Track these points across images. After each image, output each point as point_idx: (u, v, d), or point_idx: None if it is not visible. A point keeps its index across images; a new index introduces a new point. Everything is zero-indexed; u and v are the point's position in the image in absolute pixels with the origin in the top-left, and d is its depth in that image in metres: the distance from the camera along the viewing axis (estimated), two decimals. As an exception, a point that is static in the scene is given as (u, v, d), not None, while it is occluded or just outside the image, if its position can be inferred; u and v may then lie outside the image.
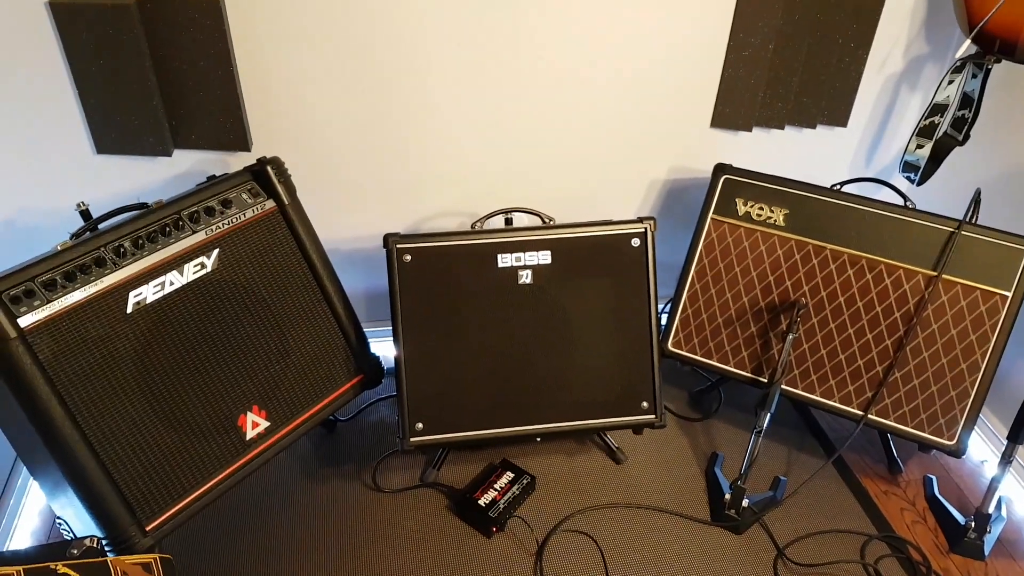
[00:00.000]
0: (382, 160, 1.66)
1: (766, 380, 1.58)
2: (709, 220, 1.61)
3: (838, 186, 1.56)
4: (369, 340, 1.57)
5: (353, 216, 1.72)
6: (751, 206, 1.57)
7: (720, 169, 1.60)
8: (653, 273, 1.49)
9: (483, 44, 1.54)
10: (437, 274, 1.46)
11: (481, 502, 1.51)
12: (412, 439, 1.48)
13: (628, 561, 1.42)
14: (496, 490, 1.54)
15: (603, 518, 1.50)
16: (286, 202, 1.44)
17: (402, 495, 1.56)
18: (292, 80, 1.52)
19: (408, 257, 1.45)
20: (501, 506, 1.50)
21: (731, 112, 1.66)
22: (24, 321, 1.14)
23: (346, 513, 1.52)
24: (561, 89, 1.62)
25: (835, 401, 1.55)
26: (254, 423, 1.39)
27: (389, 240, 1.45)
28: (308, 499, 1.55)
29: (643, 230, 1.48)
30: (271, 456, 1.41)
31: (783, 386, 1.55)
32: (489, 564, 1.41)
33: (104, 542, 1.23)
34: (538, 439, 1.54)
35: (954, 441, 1.47)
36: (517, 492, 1.53)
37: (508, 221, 1.58)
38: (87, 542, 1.10)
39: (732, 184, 1.59)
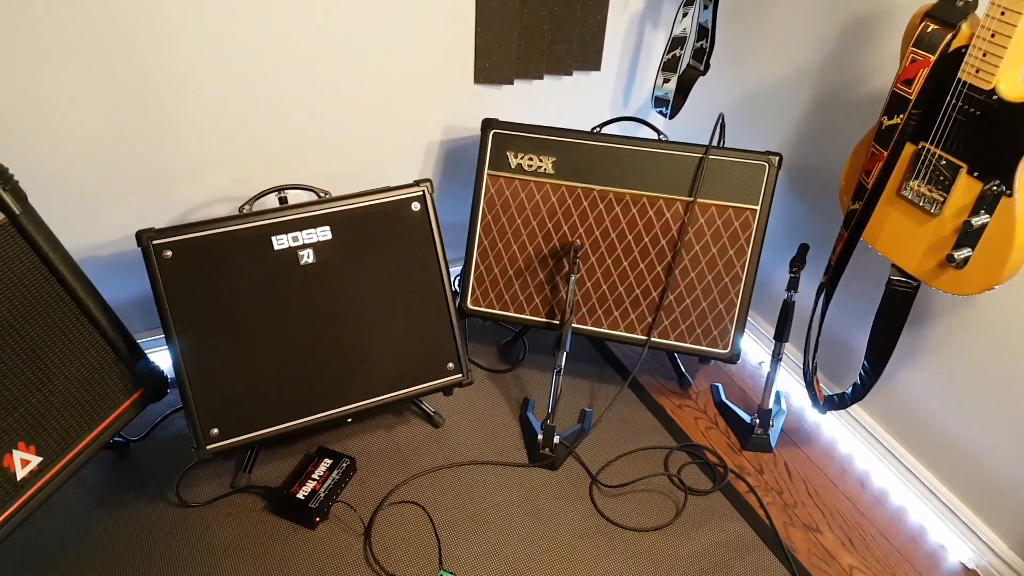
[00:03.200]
0: (131, 152, 1.55)
1: (559, 322, 1.71)
2: (485, 176, 1.68)
3: (598, 128, 1.70)
4: (151, 351, 1.48)
5: (107, 218, 1.60)
6: (521, 157, 1.67)
7: (487, 124, 1.68)
8: (438, 234, 1.54)
9: (242, 13, 1.48)
10: (206, 267, 1.41)
11: (300, 495, 1.50)
12: (208, 446, 1.43)
13: (456, 519, 1.49)
14: (315, 479, 1.54)
15: (428, 484, 1.57)
16: (17, 212, 1.31)
17: (214, 506, 1.51)
18: (13, 76, 1.38)
19: (168, 253, 1.38)
20: (321, 495, 1.51)
21: (491, 67, 1.74)
22: None
23: (154, 536, 1.45)
24: (323, 59, 1.60)
25: (622, 331, 1.70)
26: (23, 460, 1.28)
27: (143, 237, 1.36)
28: (110, 531, 1.46)
29: (421, 193, 1.52)
30: (51, 492, 1.31)
31: (575, 324, 1.69)
32: (317, 555, 1.43)
33: None
34: (349, 420, 1.55)
35: (728, 349, 1.67)
36: (337, 477, 1.55)
37: (283, 201, 1.55)
38: None
39: (501, 138, 1.67)
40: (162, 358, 1.53)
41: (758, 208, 1.62)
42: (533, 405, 1.73)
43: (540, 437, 1.61)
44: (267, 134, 1.65)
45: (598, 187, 1.66)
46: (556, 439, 1.61)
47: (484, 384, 1.81)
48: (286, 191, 1.55)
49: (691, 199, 1.63)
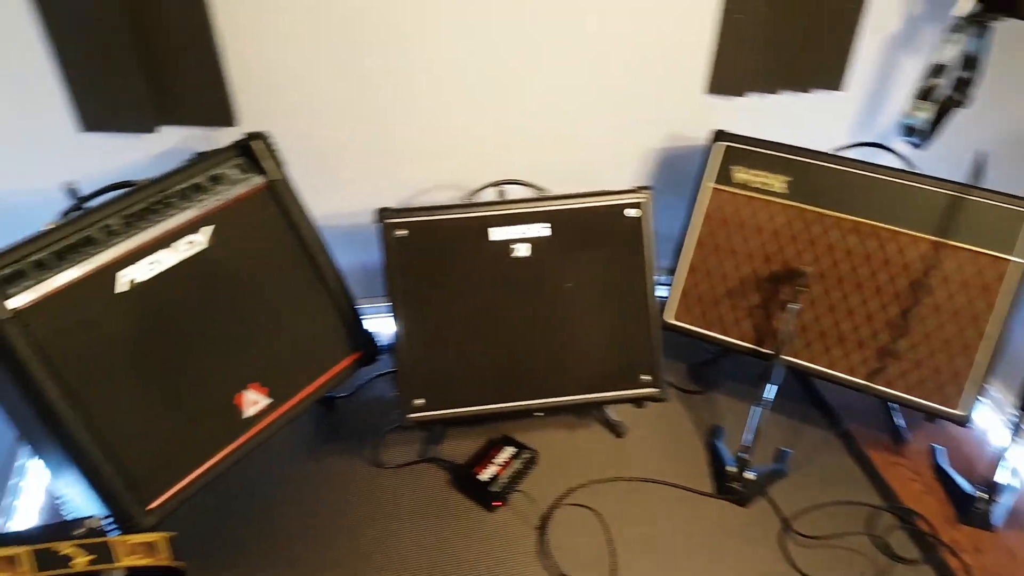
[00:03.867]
0: (373, 133, 1.66)
1: (769, 351, 1.58)
2: (707, 188, 1.60)
3: (838, 151, 1.55)
4: (364, 317, 1.57)
5: (345, 191, 1.72)
6: (750, 173, 1.57)
7: (718, 136, 1.59)
8: (650, 244, 1.49)
9: (475, 15, 1.53)
10: (430, 248, 1.47)
11: (481, 477, 1.52)
12: (410, 415, 1.49)
13: (632, 534, 1.43)
14: (497, 465, 1.55)
15: (606, 492, 1.52)
16: (275, 178, 1.44)
17: (402, 470, 1.57)
18: (278, 53, 1.51)
19: (401, 232, 1.45)
20: (503, 480, 1.51)
21: (725, 77, 1.65)
22: (16, 302, 1.16)
23: (346, 489, 1.54)
24: (553, 59, 1.61)
25: (839, 371, 1.55)
26: (254, 401, 1.41)
27: (382, 214, 1.45)
28: (309, 476, 1.57)
29: (640, 200, 1.48)
30: (272, 434, 1.43)
31: (786, 357, 1.55)
32: (492, 537, 1.43)
33: (107, 521, 1.26)
34: (538, 414, 1.55)
35: (961, 410, 1.47)
36: (519, 467, 1.55)
37: (502, 194, 1.58)
38: (90, 522, 1.11)
39: (730, 151, 1.58)
40: (375, 325, 1.62)
41: (1019, 260, 1.40)
42: (724, 434, 1.62)
43: (731, 469, 1.50)
44: (494, 128, 1.69)
45: (834, 213, 1.52)
46: (750, 474, 1.50)
47: (672, 403, 1.72)
48: (505, 185, 1.57)
49: (940, 239, 1.45)
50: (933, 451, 1.62)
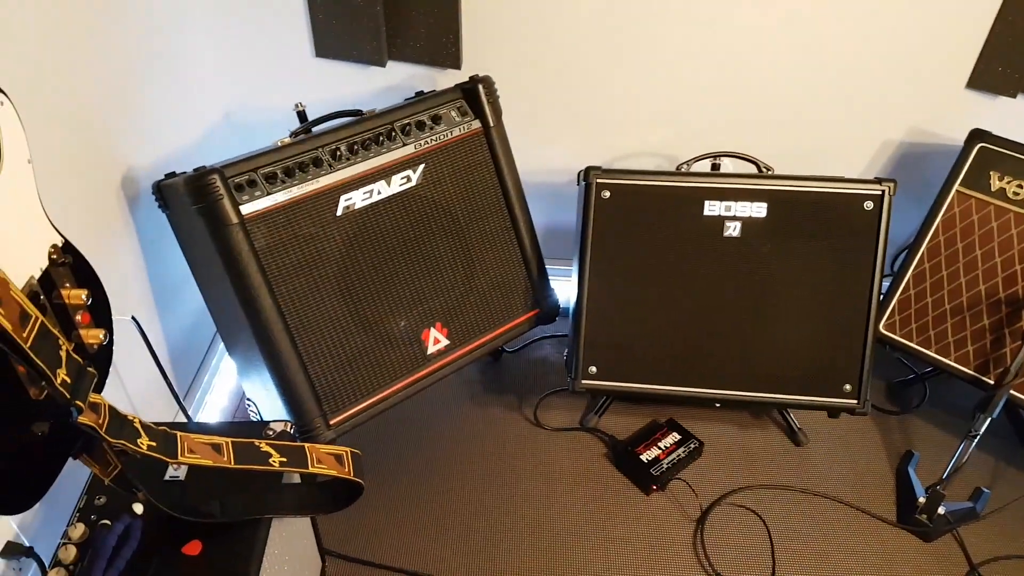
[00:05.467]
0: (588, 92, 1.56)
1: (992, 381, 1.38)
2: (954, 192, 1.39)
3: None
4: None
5: (549, 147, 1.65)
6: (1008, 182, 1.35)
7: (976, 136, 1.38)
8: (884, 243, 1.32)
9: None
10: (635, 215, 1.37)
11: (643, 457, 1.44)
12: (584, 381, 1.42)
13: (798, 549, 1.31)
14: (660, 448, 1.46)
15: (774, 499, 1.40)
16: (492, 124, 1.39)
17: (560, 435, 1.52)
18: (510, 4, 1.45)
19: (607, 193, 1.36)
20: (664, 465, 1.42)
21: (995, 73, 1.41)
22: (246, 209, 1.17)
23: (505, 441, 1.51)
24: (792, 28, 1.44)
25: (1071, 417, 1.33)
26: (436, 339, 1.39)
27: (589, 173, 1.36)
28: (471, 422, 1.55)
29: (880, 192, 1.30)
30: (448, 373, 1.40)
31: (1013, 391, 1.35)
32: (645, 520, 1.36)
33: (292, 428, 1.28)
34: (717, 404, 1.44)
35: None
36: (683, 455, 1.45)
37: (715, 168, 1.45)
38: (280, 426, 1.13)
39: (988, 154, 1.36)
40: (556, 286, 1.56)
41: None
42: (917, 461, 1.44)
43: (921, 500, 1.33)
44: (715, 98, 1.55)
45: (1104, 239, 1.29)
46: (941, 509, 1.32)
47: (863, 419, 1.54)
48: (722, 159, 1.44)
49: None
50: None
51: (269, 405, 1.35)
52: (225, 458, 0.91)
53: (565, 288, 1.50)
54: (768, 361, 1.38)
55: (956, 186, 1.39)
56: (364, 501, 1.06)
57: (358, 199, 1.28)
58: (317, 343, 1.26)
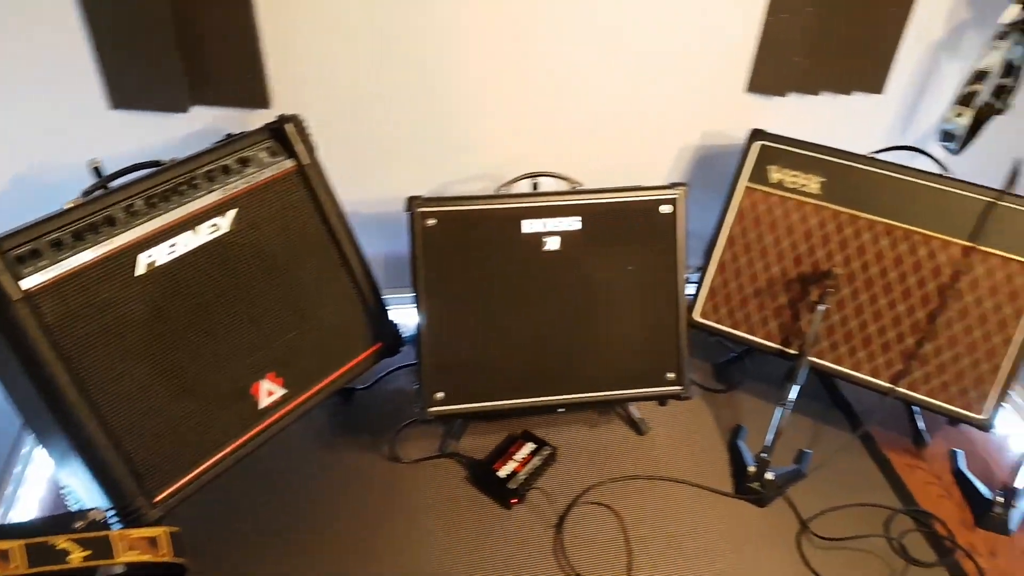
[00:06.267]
0: (407, 122, 1.57)
1: (795, 352, 1.52)
2: (741, 187, 1.52)
3: (875, 154, 1.48)
4: (388, 307, 1.49)
5: (375, 178, 1.63)
6: (786, 173, 1.49)
7: (756, 135, 1.51)
8: (683, 241, 1.41)
9: (515, 8, 1.45)
10: (460, 239, 1.38)
11: (500, 473, 1.44)
12: (431, 408, 1.41)
13: (649, 533, 1.37)
14: (516, 461, 1.47)
15: (625, 490, 1.45)
16: (305, 162, 1.35)
17: (420, 465, 1.49)
18: (315, 36, 1.42)
19: (431, 221, 1.36)
20: (521, 477, 1.44)
21: (767, 76, 1.57)
22: (29, 282, 1.06)
23: (363, 483, 1.45)
24: (592, 53, 1.53)
25: (864, 373, 1.48)
26: (269, 391, 1.32)
27: (412, 203, 1.36)
28: (324, 469, 1.48)
29: (674, 196, 1.40)
30: (286, 425, 1.33)
31: (811, 358, 1.49)
32: (508, 535, 1.36)
33: (110, 513, 1.17)
34: (561, 410, 1.48)
35: (984, 415, 1.41)
36: (538, 464, 1.47)
37: (535, 187, 1.50)
38: (92, 514, 1.03)
39: (767, 151, 1.50)
40: (398, 315, 1.54)
41: (1050, 267, 1.34)
42: (746, 434, 1.56)
43: (751, 469, 1.44)
44: (529, 120, 1.61)
45: (867, 216, 1.44)
46: (769, 475, 1.43)
47: (695, 401, 1.64)
48: (539, 177, 1.49)
49: (971, 245, 1.38)
50: (953, 455, 1.56)
51: (86, 491, 1.21)
52: (14, 565, 0.81)
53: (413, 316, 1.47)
54: (599, 362, 1.44)
55: (743, 181, 1.52)
56: (212, 568, 0.98)
57: (161, 255, 1.19)
58: (130, 416, 1.15)
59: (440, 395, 1.41)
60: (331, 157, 1.38)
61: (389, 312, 1.49)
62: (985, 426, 1.42)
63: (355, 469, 1.48)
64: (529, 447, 1.51)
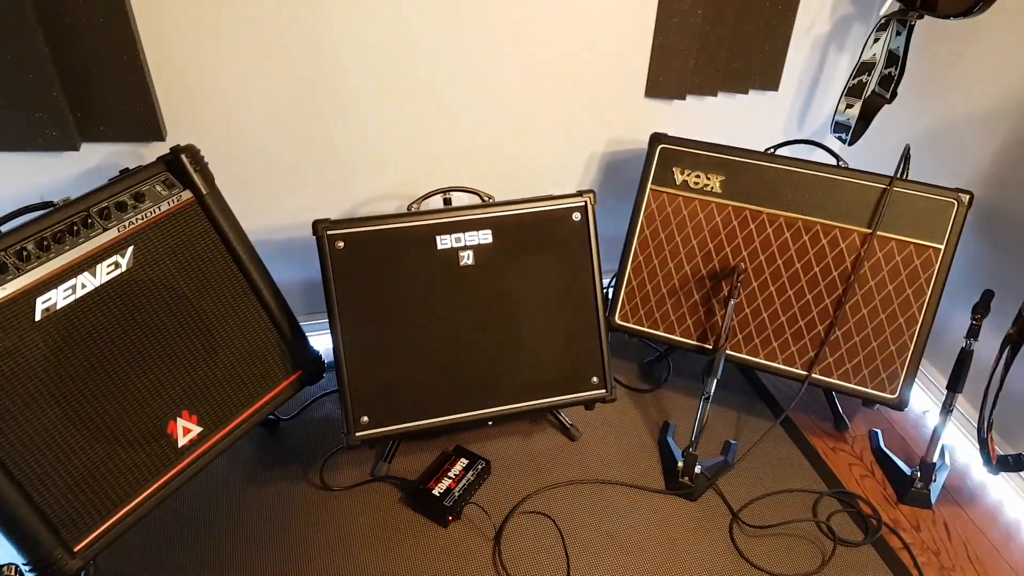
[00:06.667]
0: (309, 144, 1.56)
1: (711, 347, 1.57)
2: (648, 191, 1.57)
3: (772, 150, 1.55)
4: (308, 334, 1.48)
5: (283, 204, 1.62)
6: (688, 174, 1.55)
7: (656, 139, 1.57)
8: (596, 247, 1.44)
9: (410, 19, 1.46)
10: (373, 260, 1.38)
11: (435, 492, 1.45)
12: (357, 433, 1.40)
13: (587, 537, 1.39)
14: (450, 478, 1.48)
15: (560, 496, 1.47)
16: (204, 192, 1.34)
17: (353, 491, 1.48)
18: (206, 64, 1.41)
19: (341, 244, 1.36)
20: (456, 494, 1.45)
21: (664, 81, 1.63)
22: (-85, 337, 1.04)
23: (295, 515, 1.44)
24: (493, 65, 1.55)
25: (779, 363, 1.54)
26: (185, 429, 1.30)
27: (319, 227, 1.36)
28: (253, 503, 1.46)
29: (583, 204, 1.44)
30: (207, 462, 1.32)
31: (728, 351, 1.54)
32: (447, 554, 1.36)
33: (26, 568, 1.13)
34: (490, 423, 1.48)
35: (896, 394, 1.48)
36: (472, 478, 1.48)
37: (447, 202, 1.51)
38: (7, 570, 1.00)
39: (668, 153, 1.55)
40: (318, 342, 1.53)
41: (942, 247, 1.42)
42: (674, 430, 1.60)
43: (680, 464, 1.47)
44: (436, 136, 1.62)
45: (768, 210, 1.51)
46: (697, 469, 1.47)
47: (623, 402, 1.68)
48: (451, 193, 1.51)
49: (870, 231, 1.45)
50: (873, 435, 1.63)
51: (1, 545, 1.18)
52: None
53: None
54: (524, 371, 1.46)
55: (649, 184, 1.57)
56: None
57: (59, 298, 1.16)
58: (39, 466, 1.12)
59: (365, 419, 1.40)
60: (234, 185, 1.37)
61: (309, 339, 1.48)
62: (898, 405, 1.49)
63: (285, 501, 1.46)
64: (462, 463, 1.51)
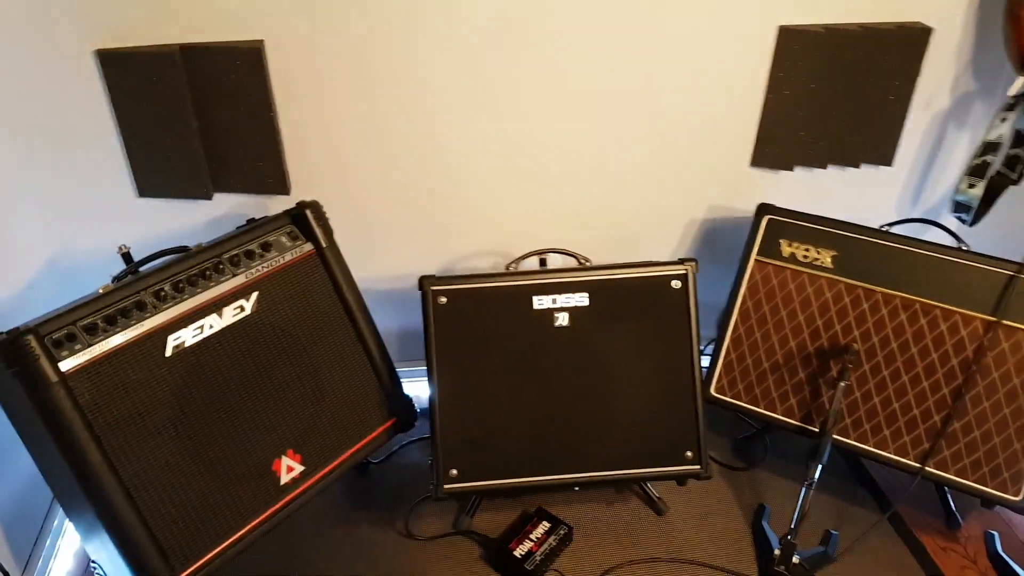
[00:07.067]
0: (417, 202, 1.66)
1: (816, 429, 1.51)
2: (752, 261, 1.55)
3: (886, 227, 1.51)
4: (402, 381, 1.54)
5: (387, 256, 1.71)
6: (796, 247, 1.52)
7: (763, 209, 1.55)
8: (695, 317, 1.44)
9: (518, 86, 1.54)
10: (472, 316, 1.43)
11: (517, 553, 1.45)
12: (446, 486, 1.43)
13: (672, 619, 1.35)
14: (532, 540, 1.48)
15: (644, 573, 1.43)
16: (324, 245, 1.44)
17: (435, 543, 1.51)
18: (329, 125, 1.53)
19: (443, 299, 1.42)
20: (537, 558, 1.44)
21: (772, 151, 1.62)
22: (65, 365, 1.14)
23: (378, 559, 1.47)
24: (596, 129, 1.60)
25: (890, 452, 1.46)
26: (289, 467, 1.37)
27: (424, 282, 1.43)
28: (340, 544, 1.51)
29: (684, 272, 1.44)
30: (306, 500, 1.38)
31: (834, 436, 1.48)
32: (525, 619, 1.36)
33: (136, 591, 1.21)
34: (576, 488, 1.48)
35: (1020, 496, 1.37)
36: (554, 543, 1.47)
37: (543, 263, 1.55)
38: (120, 591, 1.07)
39: (776, 225, 1.53)
40: (411, 389, 1.58)
41: (1077, 339, 1.33)
42: (769, 514, 1.54)
43: (777, 552, 1.41)
44: (536, 197, 1.68)
45: (883, 289, 1.46)
46: (795, 559, 1.40)
47: (715, 479, 1.63)
48: (547, 254, 1.55)
49: (994, 319, 1.38)
50: (989, 538, 1.51)
51: (113, 566, 1.27)
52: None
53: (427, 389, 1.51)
54: (615, 439, 1.45)
55: (753, 256, 1.55)
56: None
57: (188, 337, 1.27)
58: (156, 494, 1.21)
59: (454, 472, 1.43)
60: (345, 238, 1.47)
61: (403, 386, 1.54)
62: (1021, 508, 1.38)
63: (370, 544, 1.50)
64: (544, 526, 1.51)
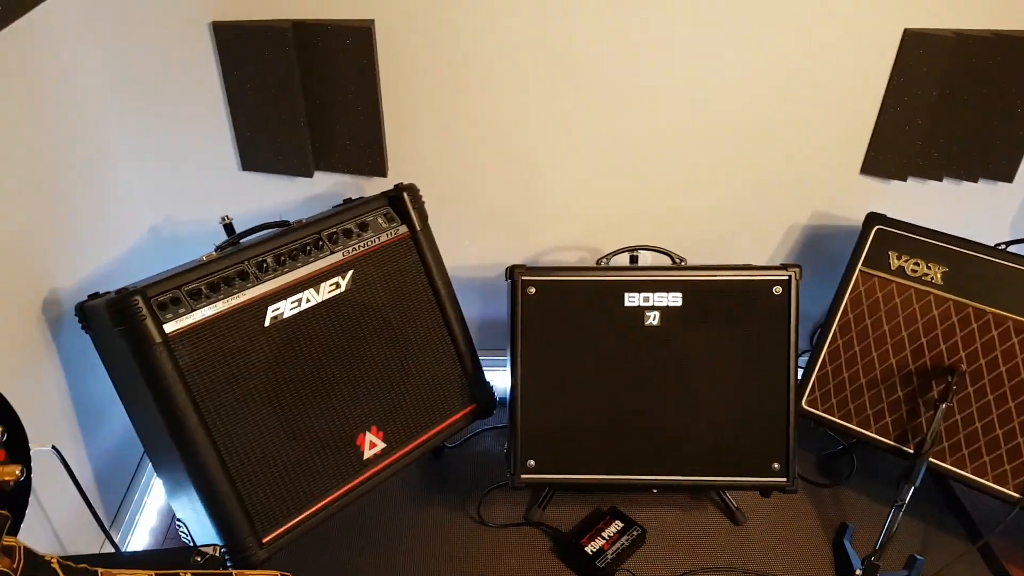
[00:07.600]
0: (509, 191, 1.67)
1: (911, 451, 1.46)
2: (857, 272, 1.50)
3: (1003, 245, 1.44)
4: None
5: (476, 244, 1.73)
6: (906, 260, 1.47)
7: (873, 219, 1.51)
8: (795, 325, 1.41)
9: (620, 80, 1.52)
10: (560, 309, 1.44)
11: (588, 549, 1.46)
12: (523, 475, 1.45)
13: (744, 632, 1.34)
14: (604, 538, 1.48)
15: (718, 582, 1.43)
16: (418, 228, 1.47)
17: (505, 531, 1.53)
18: (430, 110, 1.55)
19: (532, 290, 1.43)
20: (609, 556, 1.44)
21: (884, 159, 1.56)
22: (169, 327, 1.20)
23: (450, 542, 1.51)
24: (698, 125, 1.57)
25: (988, 480, 1.41)
26: (372, 443, 1.41)
27: (514, 271, 1.43)
28: (413, 524, 1.55)
29: (787, 278, 1.40)
30: (386, 477, 1.42)
31: (930, 458, 1.43)
32: (595, 616, 1.36)
33: (223, 551, 1.26)
34: (654, 491, 1.48)
35: None
36: (627, 543, 1.47)
37: (633, 259, 1.54)
38: (210, 550, 1.11)
39: (886, 236, 1.48)
40: (491, 377, 1.60)
41: None
42: (852, 532, 1.50)
43: (858, 573, 1.38)
44: (629, 192, 1.66)
45: (995, 310, 1.40)
46: (877, 581, 1.37)
47: (797, 494, 1.57)
48: (639, 251, 1.54)
49: (1117, 348, 1.31)
50: (1090, 580, 1.45)
51: (199, 526, 1.33)
52: (145, 594, 0.90)
53: (503, 378, 1.53)
54: (698, 444, 1.44)
55: (859, 266, 1.51)
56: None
57: (286, 309, 1.32)
58: (247, 459, 1.26)
59: (532, 463, 1.45)
60: (436, 224, 1.49)
61: (485, 374, 1.56)
62: None
63: (443, 526, 1.54)
64: (617, 525, 1.51)
